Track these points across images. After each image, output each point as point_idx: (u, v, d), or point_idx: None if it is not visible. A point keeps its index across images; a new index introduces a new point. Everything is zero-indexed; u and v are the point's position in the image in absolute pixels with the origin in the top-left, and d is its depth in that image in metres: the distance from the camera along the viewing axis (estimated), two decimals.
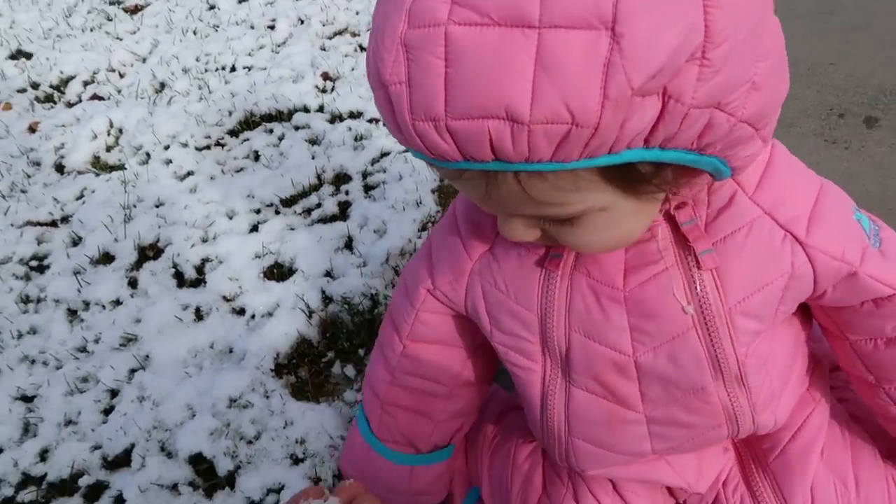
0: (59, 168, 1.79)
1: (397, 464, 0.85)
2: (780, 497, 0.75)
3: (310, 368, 1.21)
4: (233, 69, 2.13)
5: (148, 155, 1.78)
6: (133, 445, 1.11)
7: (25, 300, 1.41)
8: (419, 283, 0.75)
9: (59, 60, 2.24)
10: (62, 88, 2.15)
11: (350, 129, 1.75)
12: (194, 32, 2.38)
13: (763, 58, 0.43)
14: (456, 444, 0.89)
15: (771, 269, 0.60)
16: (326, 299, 1.31)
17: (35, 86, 2.18)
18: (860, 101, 1.67)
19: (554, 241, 0.55)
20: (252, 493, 1.02)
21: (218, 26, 2.40)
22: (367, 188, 1.58)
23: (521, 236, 0.54)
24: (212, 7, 2.55)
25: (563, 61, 0.38)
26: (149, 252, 1.49)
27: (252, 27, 2.35)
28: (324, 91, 1.94)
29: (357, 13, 2.32)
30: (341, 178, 1.62)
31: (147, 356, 1.25)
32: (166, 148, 1.79)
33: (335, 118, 1.82)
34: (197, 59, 2.19)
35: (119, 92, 2.10)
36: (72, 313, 1.38)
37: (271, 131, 1.81)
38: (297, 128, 1.80)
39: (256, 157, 1.73)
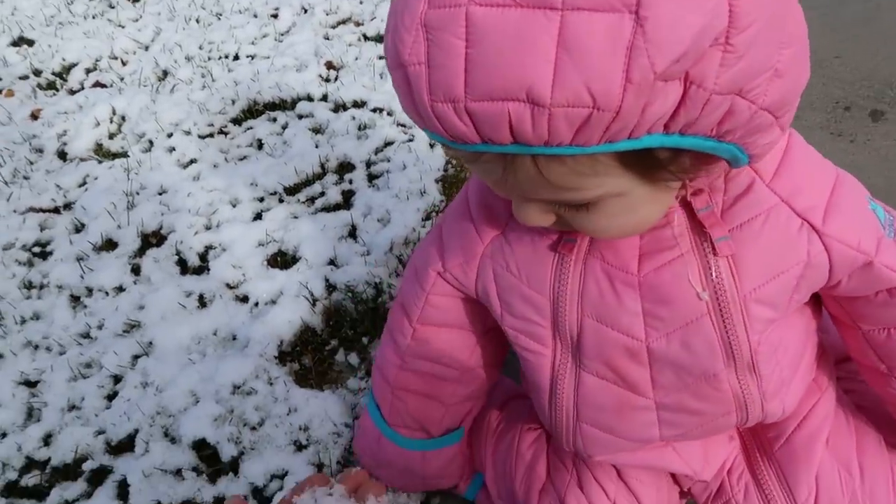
0: (62, 155, 1.78)
1: (409, 450, 0.85)
2: (785, 485, 0.75)
3: (313, 356, 1.21)
4: (236, 58, 2.12)
5: (151, 142, 1.77)
6: (137, 431, 1.11)
7: (28, 286, 1.41)
8: (429, 265, 0.75)
9: (61, 47, 2.23)
10: (64, 76, 2.14)
11: (354, 118, 1.74)
12: (197, 20, 2.36)
13: (787, 45, 0.42)
14: (466, 426, 0.89)
15: (787, 257, 0.60)
16: (330, 287, 1.31)
17: (37, 73, 2.17)
18: (866, 95, 1.67)
19: (568, 227, 0.55)
20: (256, 479, 1.02)
21: (221, 14, 2.39)
22: (371, 177, 1.58)
23: (536, 221, 0.54)
24: None
25: (586, 44, 0.37)
26: (152, 239, 1.48)
27: (255, 16, 2.34)
28: (327, 80, 1.93)
29: (361, 2, 2.31)
30: (345, 167, 1.62)
31: (150, 342, 1.25)
32: (169, 136, 1.78)
33: (339, 107, 1.82)
34: (200, 48, 2.18)
35: (122, 79, 2.09)
36: (75, 299, 1.38)
37: (275, 120, 1.81)
38: (300, 116, 1.80)
39: (260, 146, 1.72)
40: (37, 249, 1.50)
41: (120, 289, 1.37)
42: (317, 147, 1.66)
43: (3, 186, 1.67)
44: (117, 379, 1.20)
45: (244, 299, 1.32)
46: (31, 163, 1.76)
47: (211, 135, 1.79)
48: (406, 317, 0.80)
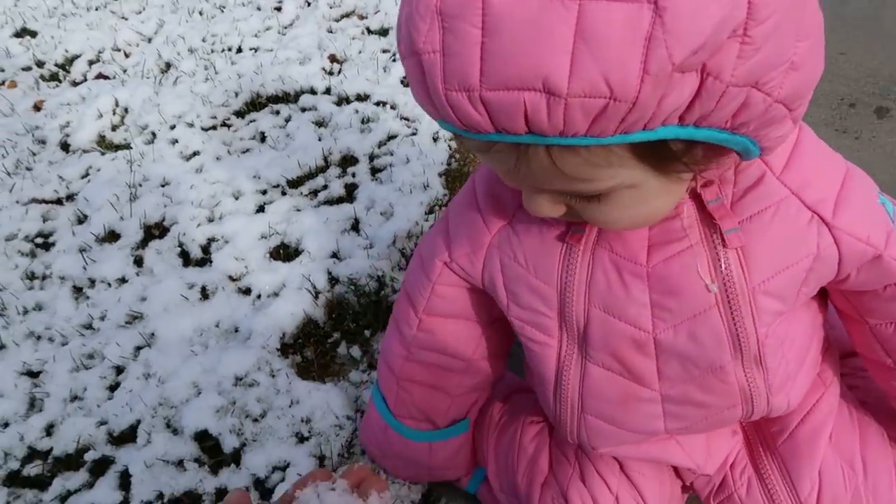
0: (65, 146, 1.78)
1: (415, 441, 0.85)
2: (788, 480, 0.75)
3: (316, 349, 1.21)
4: (239, 50, 2.11)
5: (154, 134, 1.77)
6: (139, 422, 1.11)
7: (31, 277, 1.41)
8: (436, 255, 0.75)
9: (64, 39, 2.22)
10: (67, 67, 2.14)
11: (357, 111, 1.74)
12: (200, 13, 2.36)
13: (803, 37, 0.42)
14: (472, 417, 0.89)
15: (796, 249, 0.59)
16: (333, 280, 1.31)
17: (40, 64, 2.16)
18: (871, 92, 1.66)
19: (578, 218, 0.55)
20: (257, 471, 1.03)
21: (224, 7, 2.38)
22: (374, 171, 1.58)
23: (547, 212, 0.54)
24: None
25: (604, 34, 0.37)
26: (154, 231, 1.48)
27: (258, 8, 2.33)
28: (331, 73, 1.93)
29: None
30: (348, 161, 1.62)
31: (153, 334, 1.25)
32: (172, 128, 1.78)
33: (342, 100, 1.81)
34: (203, 40, 2.18)
35: (125, 71, 2.09)
36: (77, 290, 1.37)
37: (278, 113, 1.80)
38: (303, 109, 1.80)
39: (263, 139, 1.72)
40: (39, 240, 1.50)
41: (122, 280, 1.37)
42: (320, 140, 1.66)
43: (6, 177, 1.67)
44: (119, 370, 1.20)
45: (247, 291, 1.32)
46: (34, 154, 1.75)
47: (214, 127, 1.79)
48: (412, 307, 0.79)
